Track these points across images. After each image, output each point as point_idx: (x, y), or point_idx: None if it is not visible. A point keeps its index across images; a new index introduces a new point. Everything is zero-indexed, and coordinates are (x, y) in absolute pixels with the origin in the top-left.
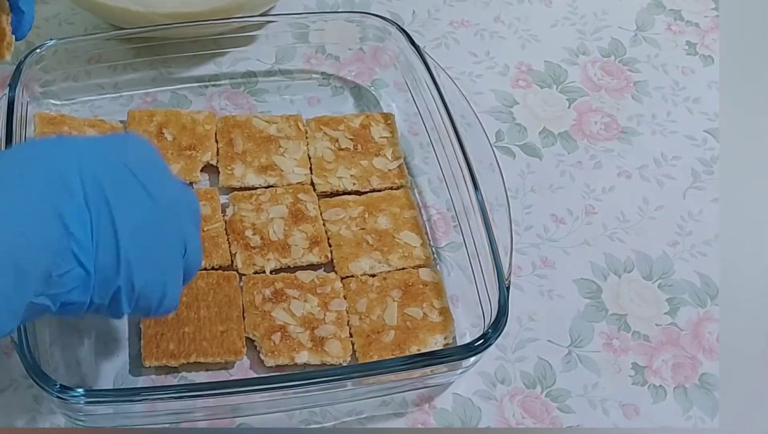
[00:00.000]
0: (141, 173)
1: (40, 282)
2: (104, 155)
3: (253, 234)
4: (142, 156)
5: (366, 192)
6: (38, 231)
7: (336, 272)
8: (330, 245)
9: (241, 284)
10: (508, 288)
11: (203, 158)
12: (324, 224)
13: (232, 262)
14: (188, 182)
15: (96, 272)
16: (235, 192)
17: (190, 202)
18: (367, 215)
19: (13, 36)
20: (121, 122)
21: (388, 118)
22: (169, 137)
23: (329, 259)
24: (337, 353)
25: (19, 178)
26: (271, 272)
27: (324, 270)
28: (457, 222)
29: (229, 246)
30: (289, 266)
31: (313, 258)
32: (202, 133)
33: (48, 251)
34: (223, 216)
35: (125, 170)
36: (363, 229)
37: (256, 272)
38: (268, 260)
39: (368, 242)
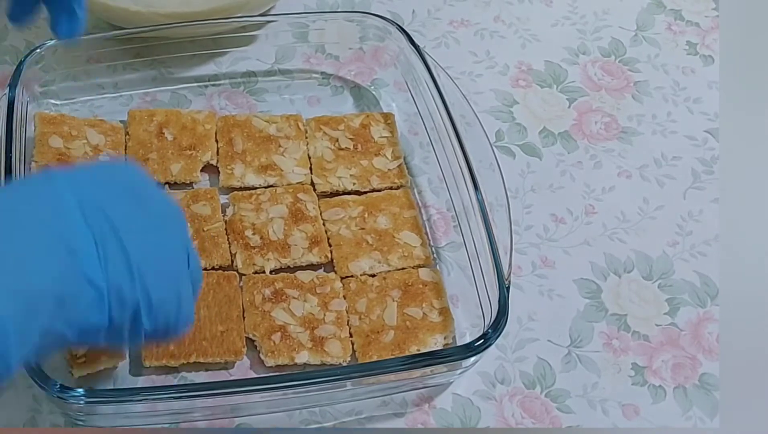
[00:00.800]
0: (135, 192)
1: (54, 307)
2: (96, 180)
3: (253, 234)
4: (133, 177)
5: (366, 192)
6: (43, 257)
7: (336, 272)
8: (330, 245)
9: (241, 284)
10: (508, 288)
11: (203, 158)
12: (324, 224)
13: (232, 262)
14: (188, 182)
15: (110, 289)
16: (235, 192)
17: (180, 214)
18: (366, 215)
19: None
20: (121, 121)
21: (388, 118)
22: (170, 137)
23: (329, 259)
24: (337, 353)
25: (13, 213)
26: (271, 272)
27: (324, 270)
28: (457, 222)
29: (229, 246)
30: (289, 266)
31: (313, 258)
32: (202, 133)
33: (54, 273)
34: (223, 216)
35: (119, 190)
36: (363, 229)
37: (256, 272)
38: (268, 260)
39: (368, 242)
